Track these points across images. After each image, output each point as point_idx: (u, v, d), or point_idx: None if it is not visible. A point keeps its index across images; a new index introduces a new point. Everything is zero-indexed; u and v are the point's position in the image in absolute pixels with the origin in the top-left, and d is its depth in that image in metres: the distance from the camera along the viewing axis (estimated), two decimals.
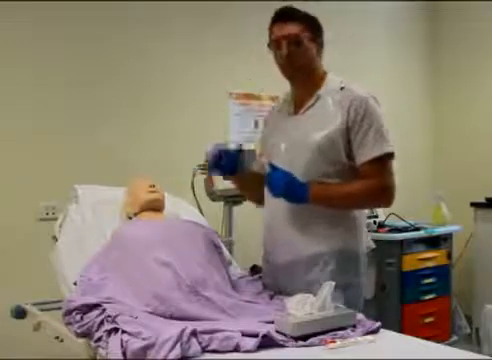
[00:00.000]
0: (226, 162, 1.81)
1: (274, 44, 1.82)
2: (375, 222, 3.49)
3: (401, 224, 3.53)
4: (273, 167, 1.76)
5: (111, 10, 2.98)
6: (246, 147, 2.83)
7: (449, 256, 3.62)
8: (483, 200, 3.77)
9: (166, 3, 3.16)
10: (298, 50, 1.80)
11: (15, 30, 2.74)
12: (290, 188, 1.73)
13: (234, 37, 3.32)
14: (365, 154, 1.75)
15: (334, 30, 3.67)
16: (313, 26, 1.83)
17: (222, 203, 2.76)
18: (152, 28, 3.13)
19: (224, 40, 3.34)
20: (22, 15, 2.75)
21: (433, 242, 3.53)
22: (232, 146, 1.86)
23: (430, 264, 3.49)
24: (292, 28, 1.80)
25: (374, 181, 1.75)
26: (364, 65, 3.98)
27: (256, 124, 3.53)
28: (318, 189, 1.76)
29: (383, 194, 1.78)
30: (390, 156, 1.77)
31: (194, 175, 2.65)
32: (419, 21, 4.45)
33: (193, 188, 2.62)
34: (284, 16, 1.82)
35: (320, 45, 1.85)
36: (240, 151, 1.84)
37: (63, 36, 2.86)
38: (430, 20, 4.47)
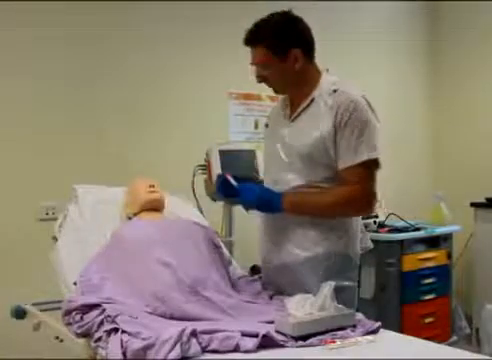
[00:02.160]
0: (232, 193, 1.84)
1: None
2: (375, 222, 3.48)
3: (401, 224, 3.53)
4: (239, 180, 1.79)
5: (110, 11, 2.98)
6: (246, 147, 2.85)
7: (449, 256, 3.62)
8: (483, 200, 3.77)
9: (166, 3, 3.16)
10: (270, 73, 1.80)
11: (15, 31, 2.74)
12: (263, 198, 1.74)
13: (234, 37, 3.31)
14: (344, 160, 1.72)
15: (334, 30, 3.72)
16: (282, 43, 1.76)
17: (222, 203, 2.76)
18: (152, 28, 3.13)
19: (224, 40, 3.34)
20: (22, 16, 2.75)
21: (433, 242, 3.53)
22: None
23: (430, 264, 3.49)
24: (257, 55, 1.79)
25: (351, 188, 1.72)
26: (364, 65, 3.98)
27: (256, 124, 3.53)
28: (292, 198, 1.75)
29: (357, 202, 1.74)
30: (372, 163, 1.72)
31: (194, 175, 2.65)
32: (419, 21, 4.45)
33: (193, 188, 2.62)
34: (248, 41, 1.81)
35: (302, 51, 1.78)
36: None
37: (63, 36, 2.86)
38: (430, 20, 4.47)
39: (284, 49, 1.76)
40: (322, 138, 1.73)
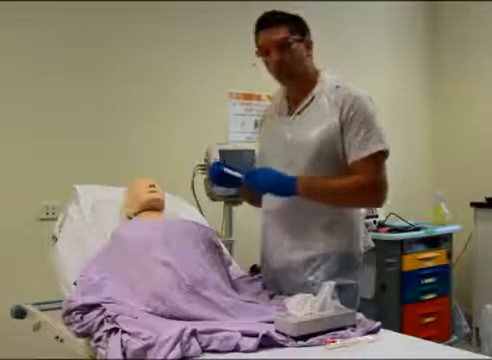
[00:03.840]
0: (229, 183, 1.90)
1: (263, 52, 1.80)
2: (375, 222, 3.49)
3: (401, 224, 3.53)
4: (255, 170, 1.80)
5: (111, 12, 2.98)
6: (246, 147, 2.85)
7: (449, 256, 3.62)
8: (483, 200, 3.77)
9: (166, 3, 3.16)
10: (288, 54, 1.78)
11: (15, 31, 2.74)
12: (279, 181, 1.73)
13: (234, 37, 3.32)
14: (355, 153, 1.73)
15: (334, 29, 3.72)
16: (299, 27, 1.81)
17: (222, 203, 2.76)
18: (152, 28, 3.13)
19: (225, 40, 3.34)
20: (22, 16, 2.75)
21: (433, 242, 3.53)
22: (236, 173, 1.85)
23: (430, 264, 3.49)
24: (278, 33, 1.77)
25: (363, 177, 1.72)
26: (364, 65, 3.98)
27: (256, 124, 3.53)
28: (306, 181, 1.74)
29: (371, 191, 1.74)
30: (381, 154, 1.74)
31: (194, 175, 2.65)
32: (419, 21, 4.45)
33: (193, 188, 2.62)
34: (269, 22, 1.79)
35: (309, 44, 1.83)
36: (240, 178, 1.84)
37: (63, 37, 2.86)
38: (430, 20, 4.47)
39: (303, 31, 1.80)
40: (328, 133, 1.74)
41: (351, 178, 1.74)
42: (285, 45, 1.77)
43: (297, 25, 1.80)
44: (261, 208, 1.96)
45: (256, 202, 2.01)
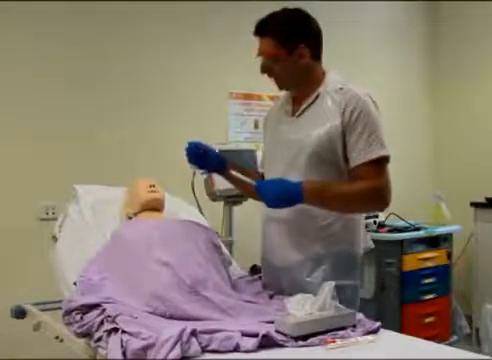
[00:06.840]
0: (208, 161, 1.94)
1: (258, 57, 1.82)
2: (375, 222, 3.48)
3: (401, 224, 3.54)
4: (259, 182, 1.76)
5: (110, 11, 2.98)
6: (246, 147, 2.85)
7: (449, 256, 3.63)
8: (483, 200, 3.77)
9: (166, 3, 3.16)
10: (276, 67, 1.78)
11: (15, 31, 2.74)
12: (283, 190, 1.68)
13: (235, 37, 3.32)
14: (358, 157, 1.71)
15: (334, 30, 3.72)
16: (293, 35, 1.75)
17: (222, 203, 2.76)
18: (152, 28, 3.13)
19: (224, 39, 3.34)
20: (22, 17, 2.75)
21: (433, 242, 3.53)
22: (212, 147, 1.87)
23: (430, 264, 3.49)
24: (266, 45, 1.76)
25: (367, 182, 1.70)
26: (364, 65, 3.98)
27: (256, 124, 3.53)
28: (311, 188, 1.70)
29: (375, 196, 1.72)
30: (384, 159, 1.72)
31: (194, 175, 2.65)
32: (419, 21, 4.46)
33: (193, 188, 2.62)
34: (258, 31, 1.78)
35: (309, 49, 1.78)
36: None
37: (63, 37, 2.86)
38: (430, 20, 4.48)
39: (292, 43, 1.75)
40: (329, 135, 1.73)
41: (356, 184, 1.72)
42: (273, 57, 1.77)
43: (288, 35, 1.75)
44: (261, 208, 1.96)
45: (252, 194, 2.00)
